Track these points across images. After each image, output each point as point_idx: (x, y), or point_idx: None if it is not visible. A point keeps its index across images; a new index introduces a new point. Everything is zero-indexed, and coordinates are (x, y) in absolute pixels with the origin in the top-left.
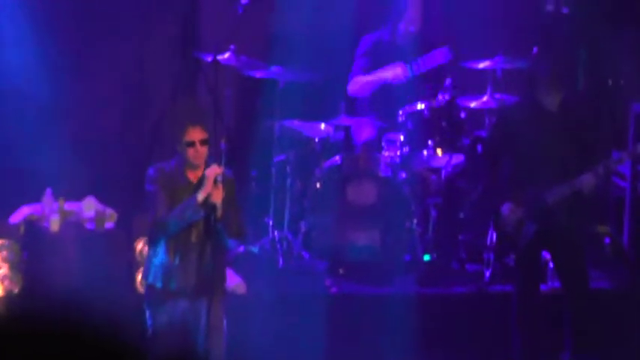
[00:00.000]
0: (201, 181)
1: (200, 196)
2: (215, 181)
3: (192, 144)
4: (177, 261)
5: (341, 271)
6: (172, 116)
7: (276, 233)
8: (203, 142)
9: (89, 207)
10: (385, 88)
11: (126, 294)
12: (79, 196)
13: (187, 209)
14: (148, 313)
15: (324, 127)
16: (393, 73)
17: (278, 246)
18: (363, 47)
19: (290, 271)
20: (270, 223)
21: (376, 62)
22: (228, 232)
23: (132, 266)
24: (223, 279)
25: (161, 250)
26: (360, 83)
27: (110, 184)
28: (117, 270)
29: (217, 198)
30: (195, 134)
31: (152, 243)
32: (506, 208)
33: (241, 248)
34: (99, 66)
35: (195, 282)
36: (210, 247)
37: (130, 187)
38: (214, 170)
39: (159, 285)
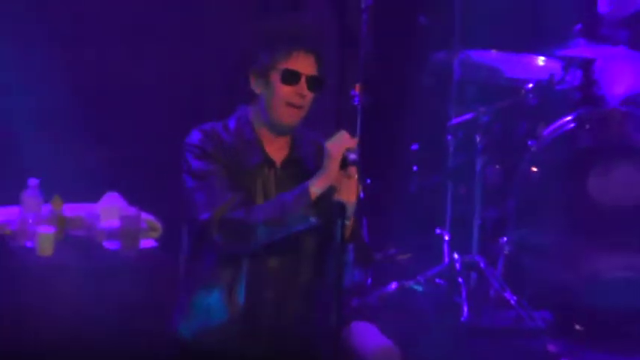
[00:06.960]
0: (294, 162)
1: (315, 187)
2: (345, 163)
3: (294, 77)
4: (241, 298)
5: (577, 327)
6: (261, 33)
7: (455, 257)
8: (313, 82)
9: (110, 212)
10: None
11: None
12: (90, 195)
13: (290, 209)
14: None
15: (544, 64)
16: None
17: (460, 281)
18: None
19: (483, 329)
20: (446, 238)
21: None
22: (358, 255)
23: None
24: (345, 342)
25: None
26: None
27: (146, 175)
28: (163, 329)
29: (350, 195)
30: (304, 64)
31: (199, 266)
32: None
33: (393, 285)
34: None
35: (283, 343)
36: (321, 280)
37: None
38: (345, 141)
39: (206, 343)
